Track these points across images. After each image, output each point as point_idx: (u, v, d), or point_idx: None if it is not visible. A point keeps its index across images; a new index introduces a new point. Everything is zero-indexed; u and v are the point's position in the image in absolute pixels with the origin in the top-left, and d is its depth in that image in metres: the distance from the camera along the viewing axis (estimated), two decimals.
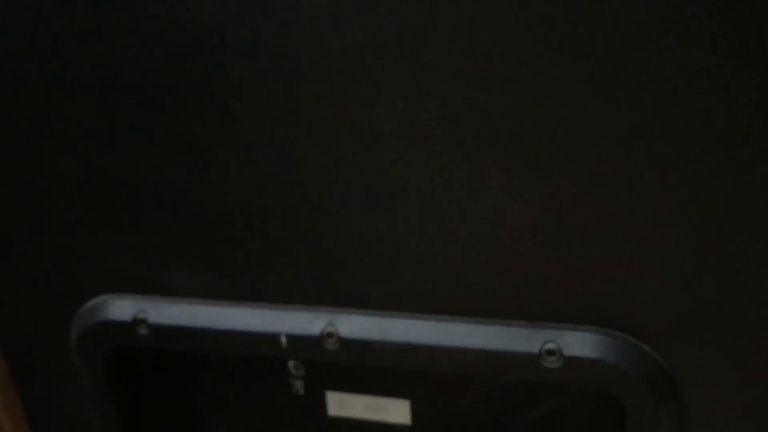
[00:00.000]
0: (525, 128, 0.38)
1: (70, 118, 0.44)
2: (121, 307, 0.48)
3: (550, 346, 0.41)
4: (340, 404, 0.52)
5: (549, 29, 0.36)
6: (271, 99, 0.41)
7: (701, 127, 0.36)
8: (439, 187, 0.41)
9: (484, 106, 0.38)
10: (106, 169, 0.45)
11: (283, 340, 0.45)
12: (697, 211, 0.38)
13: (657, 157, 0.37)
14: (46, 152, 0.45)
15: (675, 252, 0.39)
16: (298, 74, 0.40)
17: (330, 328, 0.44)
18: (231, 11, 0.39)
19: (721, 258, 0.39)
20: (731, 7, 0.34)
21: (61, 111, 0.44)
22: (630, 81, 0.36)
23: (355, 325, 0.44)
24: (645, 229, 0.39)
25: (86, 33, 0.41)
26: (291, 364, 0.51)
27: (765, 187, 0.37)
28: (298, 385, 0.52)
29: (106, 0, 0.40)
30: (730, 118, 0.36)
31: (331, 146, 0.41)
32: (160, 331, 0.47)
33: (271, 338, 0.45)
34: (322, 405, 0.52)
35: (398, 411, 0.50)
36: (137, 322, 0.47)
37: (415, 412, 0.50)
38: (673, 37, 0.35)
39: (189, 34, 0.40)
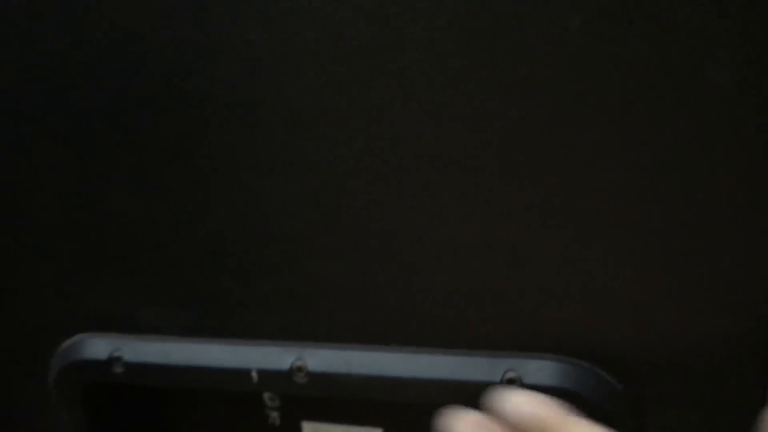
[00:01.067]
0: (482, 162, 0.40)
1: (42, 164, 0.45)
2: (97, 346, 0.49)
3: (510, 374, 0.42)
4: None
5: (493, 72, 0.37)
6: (234, 141, 0.42)
7: (653, 159, 0.38)
8: (400, 223, 0.42)
9: (438, 145, 0.40)
10: (77, 212, 0.46)
11: (254, 375, 0.46)
12: (653, 241, 0.39)
13: (612, 191, 0.39)
14: (18, 197, 0.47)
15: (631, 281, 0.41)
16: (260, 117, 0.41)
17: (299, 363, 0.45)
18: (194, 59, 0.41)
19: (677, 286, 0.40)
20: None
21: (33, 157, 0.45)
22: (575, 119, 0.38)
23: (323, 359, 0.45)
24: (601, 260, 0.40)
25: (56, 80, 0.43)
26: (266, 395, 0.52)
27: (720, 217, 0.38)
28: (274, 416, 0.53)
29: (74, 50, 0.42)
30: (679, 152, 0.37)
31: (293, 186, 0.43)
32: (136, 368, 0.48)
33: (243, 373, 0.46)
34: None
35: None
36: (113, 360, 0.48)
37: None
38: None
39: (153, 80, 0.42)
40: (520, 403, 0.35)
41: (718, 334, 0.41)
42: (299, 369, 0.45)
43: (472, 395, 0.43)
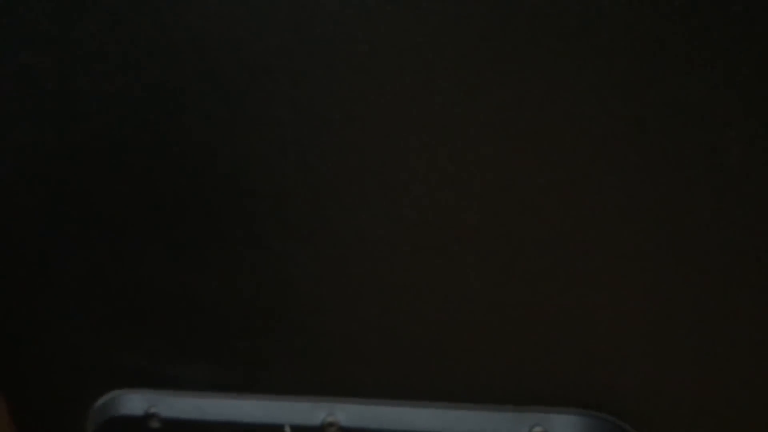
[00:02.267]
0: (507, 232, 0.41)
1: (82, 229, 0.47)
2: (134, 402, 0.50)
3: (537, 429, 0.44)
4: None
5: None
6: (263, 210, 0.44)
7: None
8: (426, 283, 0.44)
9: (462, 208, 0.41)
10: (113, 275, 0.48)
11: (287, 430, 0.47)
12: (670, 299, 0.41)
13: (631, 254, 0.40)
14: (58, 258, 0.48)
15: (652, 339, 0.42)
16: (287, 190, 0.43)
17: (330, 418, 0.47)
18: (222, 134, 0.42)
19: (696, 342, 0.41)
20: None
21: (73, 222, 0.47)
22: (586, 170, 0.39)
23: (354, 414, 0.47)
24: (623, 319, 0.42)
25: (84, 148, 0.44)
26: None
27: (736, 276, 0.39)
28: None
29: (110, 119, 0.43)
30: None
31: (318, 250, 0.44)
32: (172, 424, 0.49)
33: (276, 429, 0.48)
34: None
35: None
36: (149, 416, 0.50)
37: None
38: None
39: (185, 152, 0.43)
40: None
41: (741, 390, 0.42)
42: (331, 424, 0.47)
43: None
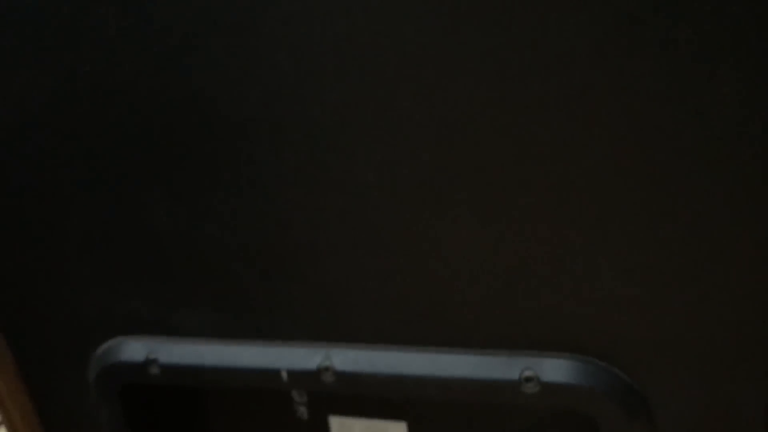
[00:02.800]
0: (500, 176, 0.42)
1: (84, 179, 0.48)
2: (134, 349, 0.51)
3: (528, 373, 0.45)
4: (342, 427, 0.55)
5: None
6: (261, 158, 0.44)
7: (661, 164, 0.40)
8: (419, 231, 0.44)
9: (458, 157, 0.42)
10: (115, 224, 0.49)
11: (284, 374, 0.48)
12: (662, 247, 0.41)
13: (625, 203, 0.41)
14: (60, 208, 0.49)
15: (642, 284, 0.42)
16: (285, 136, 0.44)
17: (326, 363, 0.48)
18: (223, 81, 0.43)
19: (686, 288, 0.42)
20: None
21: (75, 172, 0.48)
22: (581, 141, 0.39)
23: (349, 359, 0.48)
24: (613, 264, 0.42)
25: (86, 96, 0.45)
26: (295, 392, 0.55)
27: (726, 224, 0.40)
28: (302, 411, 0.56)
29: (113, 75, 0.44)
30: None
31: (317, 198, 0.45)
32: (171, 370, 0.51)
33: (273, 374, 0.49)
34: (326, 428, 0.56)
35: None
36: (149, 362, 0.51)
37: None
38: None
39: (186, 100, 0.44)
40: None
41: (727, 333, 0.43)
42: (326, 369, 0.48)
43: (491, 393, 0.46)
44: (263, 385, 0.50)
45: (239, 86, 0.43)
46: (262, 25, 0.41)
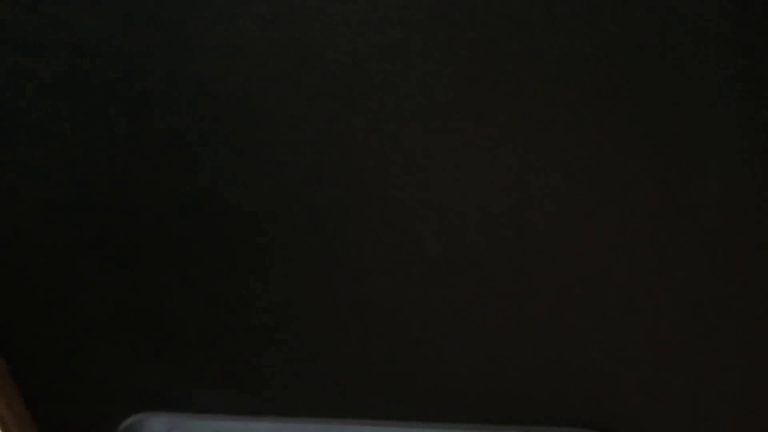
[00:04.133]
0: (501, 259, 0.44)
1: (104, 268, 0.50)
2: (155, 424, 0.54)
3: None
4: None
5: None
6: (274, 245, 0.47)
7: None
8: (428, 311, 0.46)
9: (448, 245, 0.44)
10: (134, 310, 0.51)
11: None
12: (662, 319, 0.43)
13: (623, 279, 0.42)
14: (84, 298, 0.52)
15: (642, 363, 0.44)
16: (295, 228, 0.46)
17: None
18: (233, 177, 0.45)
19: (686, 360, 0.44)
20: None
21: (95, 262, 0.50)
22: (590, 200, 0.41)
23: None
24: (615, 345, 0.44)
25: (108, 192, 0.48)
26: None
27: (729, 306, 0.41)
28: None
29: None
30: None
31: (326, 283, 0.47)
32: None
33: None
34: None
35: None
36: None
37: None
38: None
39: (199, 196, 0.46)
40: None
41: (727, 402, 0.44)
42: None
43: None
44: None
45: (248, 181, 0.45)
46: (269, 124, 0.43)
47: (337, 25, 0.39)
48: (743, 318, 0.42)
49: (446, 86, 0.39)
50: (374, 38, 0.39)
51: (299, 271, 0.47)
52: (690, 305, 0.43)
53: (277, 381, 0.51)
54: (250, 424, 0.52)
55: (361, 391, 0.50)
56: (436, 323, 0.47)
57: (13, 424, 0.57)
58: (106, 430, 0.56)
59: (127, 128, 0.46)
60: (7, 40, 0.42)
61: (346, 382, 0.50)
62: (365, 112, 0.42)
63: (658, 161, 0.39)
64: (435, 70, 0.39)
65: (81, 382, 0.55)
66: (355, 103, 0.42)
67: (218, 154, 0.45)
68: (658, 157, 0.39)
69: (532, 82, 0.38)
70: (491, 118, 0.40)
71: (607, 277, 0.43)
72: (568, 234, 0.42)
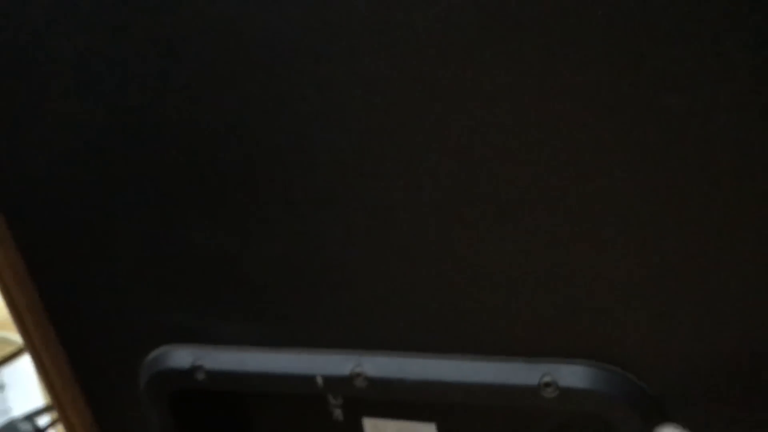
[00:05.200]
0: (519, 193, 0.45)
1: (131, 206, 0.52)
2: (181, 357, 0.56)
3: (547, 379, 0.48)
4: (375, 429, 0.59)
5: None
6: (295, 182, 0.48)
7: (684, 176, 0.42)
8: (442, 246, 0.47)
9: (470, 177, 0.45)
10: (160, 247, 0.53)
11: (319, 380, 0.52)
12: (676, 254, 0.44)
13: (635, 208, 0.43)
14: (112, 237, 0.54)
15: (656, 292, 0.45)
16: (317, 165, 0.47)
17: (358, 369, 0.51)
18: (258, 118, 0.46)
19: (700, 295, 0.44)
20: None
21: (122, 201, 0.52)
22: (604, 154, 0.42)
23: (380, 366, 0.51)
24: (628, 274, 0.45)
25: (137, 129, 0.49)
26: (330, 396, 0.58)
27: (738, 226, 0.42)
28: (338, 413, 0.59)
29: (158, 100, 0.48)
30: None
31: (348, 217, 0.48)
32: (215, 375, 0.54)
33: (309, 379, 0.52)
34: (360, 430, 0.59)
35: None
36: (195, 368, 0.55)
37: None
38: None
39: (226, 134, 0.48)
40: None
41: (740, 339, 0.45)
42: (358, 375, 0.51)
43: (512, 397, 0.49)
44: (300, 390, 0.53)
45: (273, 122, 0.46)
46: (294, 67, 0.45)
47: None
48: (752, 250, 0.43)
49: (469, 23, 0.40)
50: None
51: (321, 204, 0.49)
52: (700, 239, 0.43)
53: (298, 313, 0.52)
54: (273, 355, 0.54)
55: (379, 322, 0.51)
56: (453, 256, 0.48)
57: (47, 357, 0.59)
58: (134, 362, 0.58)
59: (156, 64, 0.47)
60: None
61: (365, 314, 0.51)
62: (386, 49, 0.43)
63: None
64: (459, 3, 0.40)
65: (109, 319, 0.57)
66: (378, 39, 0.43)
67: (244, 90, 0.46)
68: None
69: None
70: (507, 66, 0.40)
71: (627, 210, 0.43)
72: (586, 167, 0.43)
